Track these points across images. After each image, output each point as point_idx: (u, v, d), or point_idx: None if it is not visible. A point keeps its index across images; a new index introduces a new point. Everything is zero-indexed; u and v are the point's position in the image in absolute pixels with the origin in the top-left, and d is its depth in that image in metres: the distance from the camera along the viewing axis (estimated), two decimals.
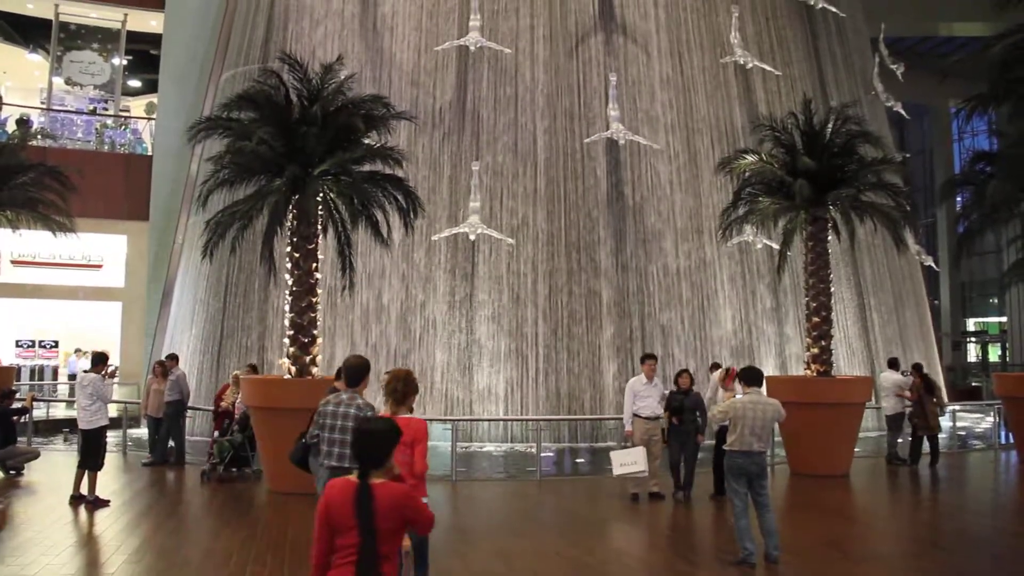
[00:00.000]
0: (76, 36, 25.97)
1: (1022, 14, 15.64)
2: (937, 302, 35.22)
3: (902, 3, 29.23)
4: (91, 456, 10.67)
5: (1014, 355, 33.25)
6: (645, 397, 11.09)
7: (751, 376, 8.03)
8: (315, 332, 12.34)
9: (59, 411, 20.56)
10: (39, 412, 18.82)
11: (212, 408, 14.39)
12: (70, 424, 17.02)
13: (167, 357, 15.60)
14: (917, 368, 15.10)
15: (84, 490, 10.60)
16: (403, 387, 5.80)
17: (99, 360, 11.40)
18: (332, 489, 3.62)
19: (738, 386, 11.85)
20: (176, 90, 23.41)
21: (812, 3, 21.93)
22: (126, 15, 25.53)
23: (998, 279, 28.50)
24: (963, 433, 19.89)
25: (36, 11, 25.68)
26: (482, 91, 18.83)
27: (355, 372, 6.54)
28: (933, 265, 24.06)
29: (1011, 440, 16.59)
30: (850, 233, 14.67)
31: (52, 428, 18.57)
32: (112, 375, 13.57)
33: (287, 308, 12.38)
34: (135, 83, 28.95)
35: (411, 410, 5.95)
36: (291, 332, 12.29)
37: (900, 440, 14.88)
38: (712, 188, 19.17)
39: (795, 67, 21.45)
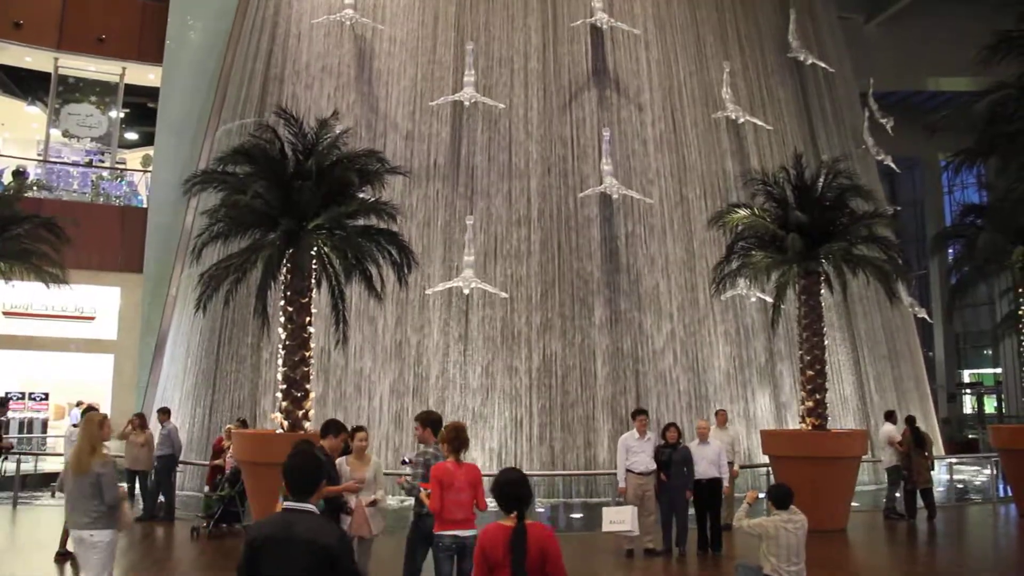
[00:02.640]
0: (74, 89, 26.21)
1: (1004, 71, 15.94)
2: (931, 354, 35.19)
3: (889, 59, 29.73)
4: None
5: (1010, 406, 33.14)
6: (637, 452, 11.03)
7: (780, 498, 7.39)
8: (308, 386, 12.28)
9: (48, 464, 20.31)
10: (27, 466, 18.61)
11: (210, 460, 14.30)
12: (59, 478, 16.82)
13: (158, 411, 15.46)
14: (909, 421, 15.05)
15: (71, 547, 10.43)
16: (462, 436, 6.72)
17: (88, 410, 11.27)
18: (486, 533, 4.35)
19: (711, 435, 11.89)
20: (172, 143, 23.56)
21: (802, 59, 22.36)
22: (124, 69, 25.79)
23: (992, 331, 28.56)
24: (961, 486, 19.74)
25: (35, 64, 25.94)
26: (476, 146, 19.00)
27: (439, 424, 7.40)
28: (927, 317, 24.12)
29: (1009, 493, 16.46)
30: (843, 286, 14.70)
31: (40, 482, 18.32)
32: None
33: (280, 362, 12.34)
34: (132, 135, 29.14)
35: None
36: (284, 386, 12.23)
37: (898, 494, 14.76)
38: (705, 242, 19.25)
39: (786, 122, 21.73)
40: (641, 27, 20.38)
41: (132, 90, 26.54)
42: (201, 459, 16.71)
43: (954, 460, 21.00)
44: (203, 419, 18.79)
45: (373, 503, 7.68)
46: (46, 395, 24.51)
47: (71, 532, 6.87)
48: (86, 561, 6.55)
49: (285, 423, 12.09)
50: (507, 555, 4.17)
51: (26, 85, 27.53)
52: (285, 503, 3.94)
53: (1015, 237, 16.51)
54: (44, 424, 24.26)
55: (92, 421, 6.78)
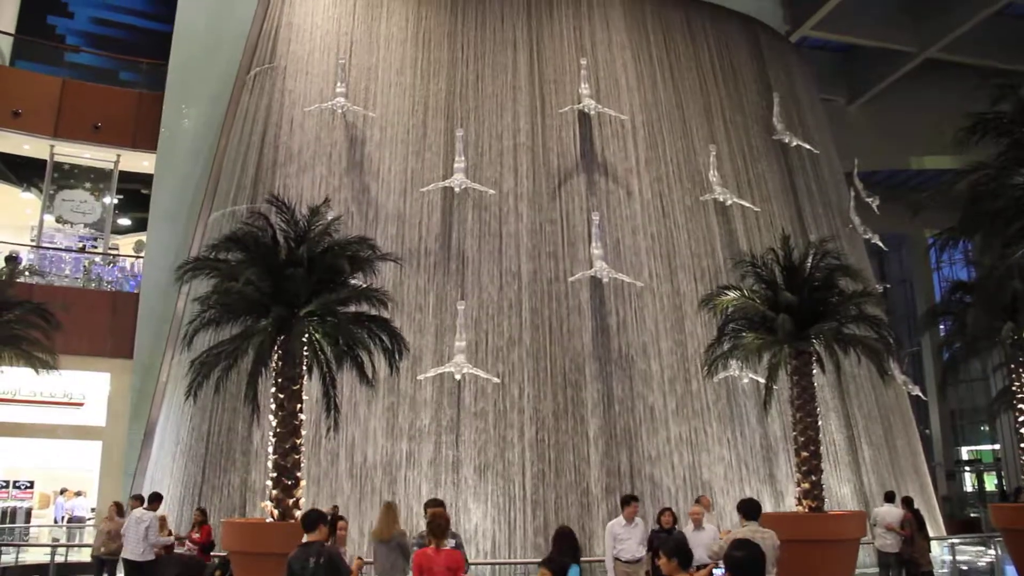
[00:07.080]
0: (69, 176, 26.40)
1: (983, 151, 16.22)
2: (928, 431, 34.96)
3: (872, 139, 30.38)
4: None
5: (1010, 484, 32.78)
6: (625, 539, 10.90)
7: (749, 508, 7.73)
8: (299, 474, 12.12)
9: (31, 556, 19.80)
10: (8, 557, 18.18)
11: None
12: (42, 570, 16.47)
13: (132, 498, 15.19)
14: (907, 502, 14.85)
15: None
16: (445, 523, 7.13)
17: (155, 498, 12.79)
18: None
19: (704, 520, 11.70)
20: (165, 229, 23.60)
21: (787, 141, 22.80)
22: (119, 156, 25.99)
23: (988, 407, 28.45)
24: (965, 568, 19.33)
25: (32, 151, 26.20)
26: (467, 231, 19.14)
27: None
28: (920, 395, 24.04)
29: (1016, 575, 16.14)
30: (835, 366, 14.67)
31: (21, 574, 17.82)
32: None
33: (271, 450, 12.19)
34: (125, 221, 29.28)
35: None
36: (274, 474, 12.06)
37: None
38: (696, 324, 19.29)
39: (773, 203, 22.02)
40: (628, 113, 20.80)
41: (126, 176, 26.73)
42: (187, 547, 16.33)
43: (956, 540, 20.66)
44: (193, 506, 18.42)
45: None
46: (31, 483, 24.04)
47: None
48: None
49: (275, 512, 11.89)
50: None
51: (22, 172, 27.77)
52: None
53: (1003, 314, 16.60)
54: (28, 514, 23.73)
55: (392, 506, 9.88)
